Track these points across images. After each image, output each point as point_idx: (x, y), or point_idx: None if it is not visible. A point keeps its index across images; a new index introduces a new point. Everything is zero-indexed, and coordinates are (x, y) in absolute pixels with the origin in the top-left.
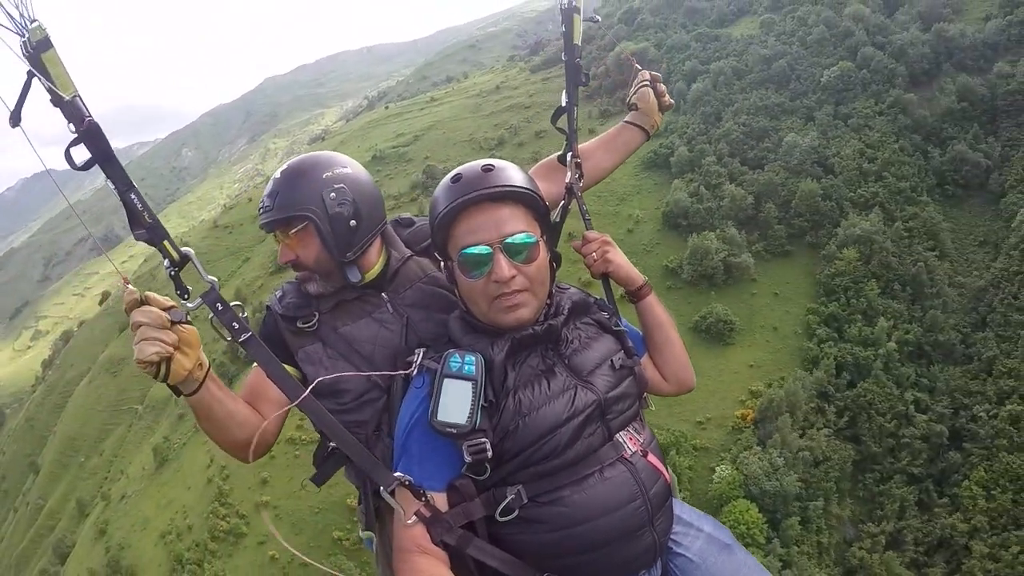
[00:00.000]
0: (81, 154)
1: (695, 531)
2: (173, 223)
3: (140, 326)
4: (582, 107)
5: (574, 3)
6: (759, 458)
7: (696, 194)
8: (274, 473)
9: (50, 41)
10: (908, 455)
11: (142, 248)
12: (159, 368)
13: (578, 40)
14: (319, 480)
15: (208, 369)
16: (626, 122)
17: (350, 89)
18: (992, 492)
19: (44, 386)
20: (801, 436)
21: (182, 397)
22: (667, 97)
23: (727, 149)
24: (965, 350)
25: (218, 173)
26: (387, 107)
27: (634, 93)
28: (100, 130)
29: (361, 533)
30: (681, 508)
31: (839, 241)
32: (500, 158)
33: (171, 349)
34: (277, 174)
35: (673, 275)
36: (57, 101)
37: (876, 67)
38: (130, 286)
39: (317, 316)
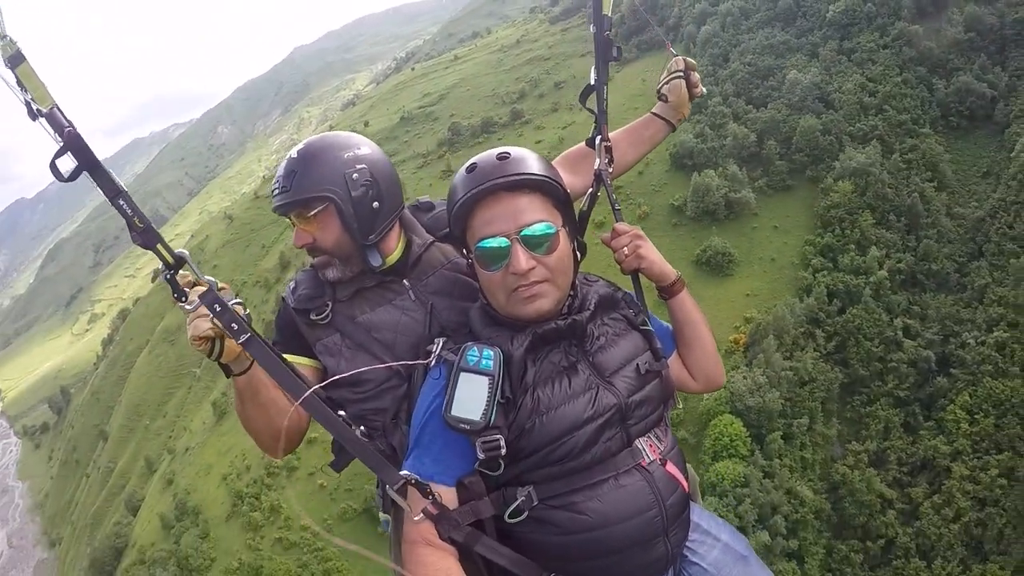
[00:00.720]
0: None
1: (712, 540)
2: (216, 199)
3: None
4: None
5: None
6: (744, 376)
7: (701, 135)
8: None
9: (22, 55)
10: (895, 379)
11: (188, 226)
12: (213, 345)
13: (608, 11)
14: (338, 466)
15: None
16: (653, 113)
17: (379, 52)
18: (976, 416)
19: (106, 361)
20: (787, 358)
21: (231, 378)
22: (700, 88)
23: (733, 89)
24: (960, 279)
25: (255, 146)
26: (413, 69)
27: (666, 83)
28: (82, 139)
29: (380, 515)
30: (700, 515)
31: (836, 174)
32: (521, 110)
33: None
34: (293, 154)
35: (679, 212)
36: (34, 115)
37: (883, 0)
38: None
39: (330, 306)
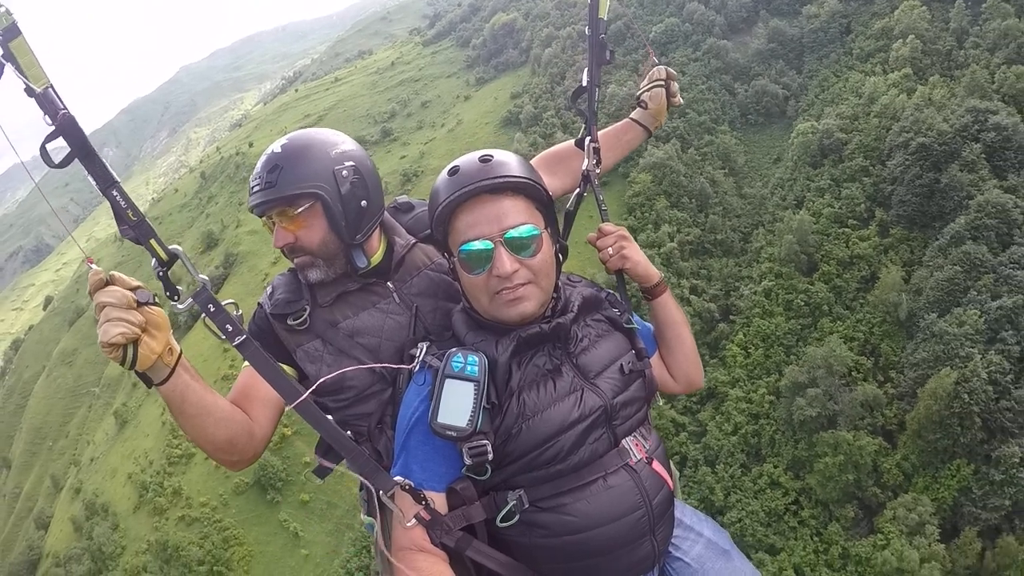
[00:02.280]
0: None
1: (695, 535)
2: (103, 225)
3: (104, 307)
4: (460, 75)
5: None
6: None
7: (534, 144)
8: None
9: (18, 28)
10: None
11: (76, 255)
12: (125, 353)
13: (604, 14)
14: (322, 473)
15: (180, 355)
16: (632, 119)
17: (267, 70)
18: (748, 350)
19: (3, 391)
20: None
21: (153, 388)
22: (678, 97)
23: (564, 103)
24: (743, 245)
25: (142, 169)
26: (296, 90)
27: (647, 90)
28: (76, 123)
29: (363, 517)
30: (682, 511)
31: (639, 168)
32: (391, 128)
33: (137, 331)
34: (277, 148)
35: None
36: (30, 92)
37: (698, 20)
38: (95, 266)
39: (308, 311)
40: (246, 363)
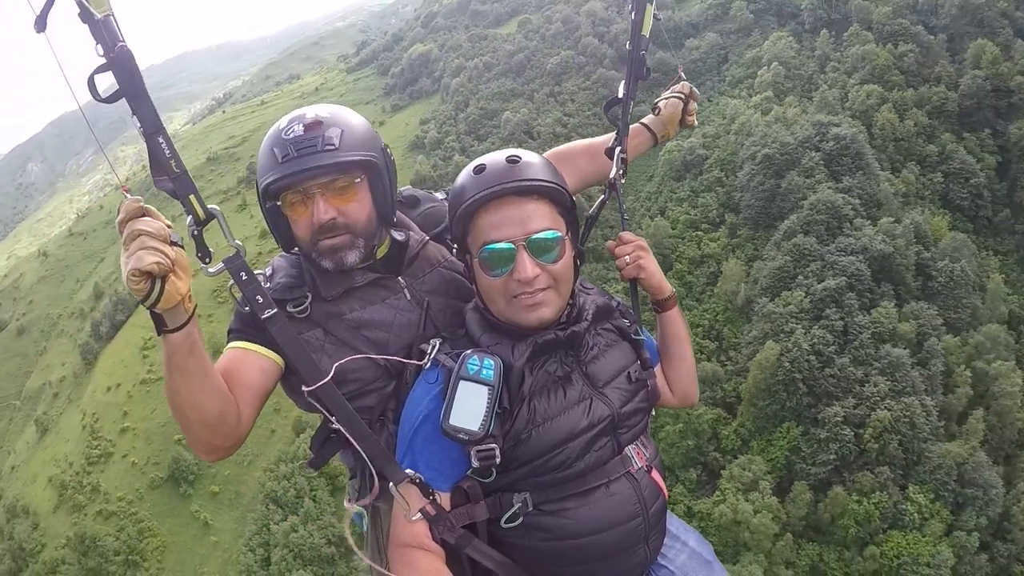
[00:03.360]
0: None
1: (680, 544)
2: (24, 243)
3: (140, 235)
4: (378, 101)
5: None
6: None
7: (435, 166)
8: (131, 407)
9: None
10: None
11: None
12: (152, 286)
13: (647, 31)
14: (316, 464)
15: (195, 307)
16: (642, 123)
17: (198, 90)
18: None
19: None
20: None
21: (162, 336)
22: (693, 117)
23: (465, 128)
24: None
25: (67, 187)
26: (224, 111)
27: (664, 99)
28: (133, 59)
29: (350, 505)
30: (669, 520)
31: None
32: None
33: (171, 264)
34: (323, 113)
35: None
36: (87, 17)
37: (592, 52)
38: (130, 195)
39: (309, 298)
40: (228, 346)
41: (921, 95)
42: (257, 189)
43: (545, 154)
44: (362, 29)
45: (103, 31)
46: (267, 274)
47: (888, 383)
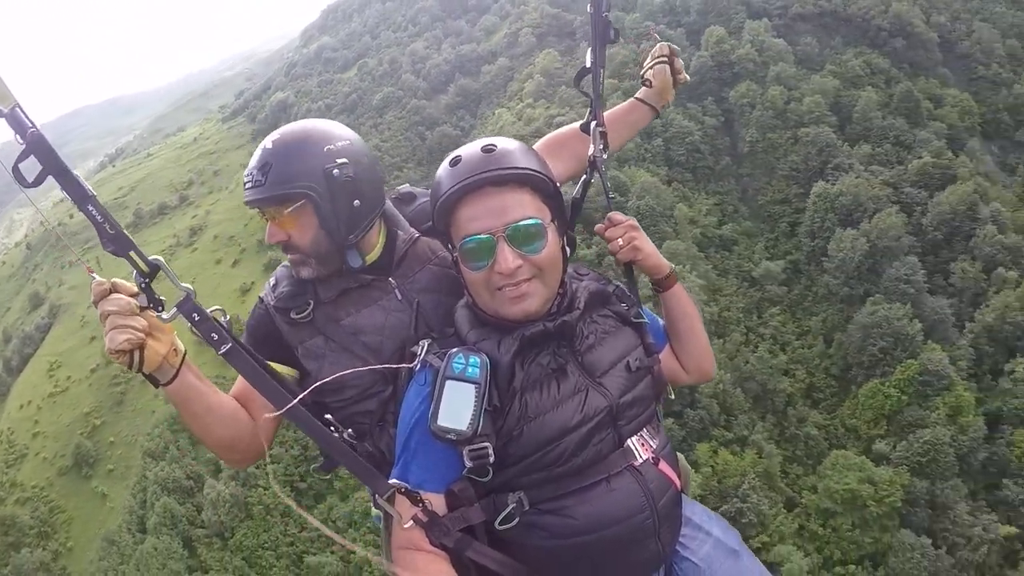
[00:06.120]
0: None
1: (703, 535)
2: None
3: (108, 315)
4: (247, 146)
5: None
6: None
7: None
8: (41, 416)
9: None
10: None
11: None
12: (132, 357)
13: None
14: (326, 468)
15: (184, 355)
16: (637, 99)
17: (92, 147)
18: None
19: None
20: None
21: (161, 389)
22: (684, 74)
23: None
24: None
25: None
26: (113, 166)
27: (649, 68)
28: (46, 140)
29: (372, 510)
30: (692, 509)
31: None
32: (188, 195)
33: (142, 336)
34: (268, 144)
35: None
36: None
37: (408, 87)
38: (96, 276)
39: (312, 304)
40: None
41: None
42: None
43: (540, 141)
44: (248, 77)
45: (13, 122)
46: (271, 284)
47: None
